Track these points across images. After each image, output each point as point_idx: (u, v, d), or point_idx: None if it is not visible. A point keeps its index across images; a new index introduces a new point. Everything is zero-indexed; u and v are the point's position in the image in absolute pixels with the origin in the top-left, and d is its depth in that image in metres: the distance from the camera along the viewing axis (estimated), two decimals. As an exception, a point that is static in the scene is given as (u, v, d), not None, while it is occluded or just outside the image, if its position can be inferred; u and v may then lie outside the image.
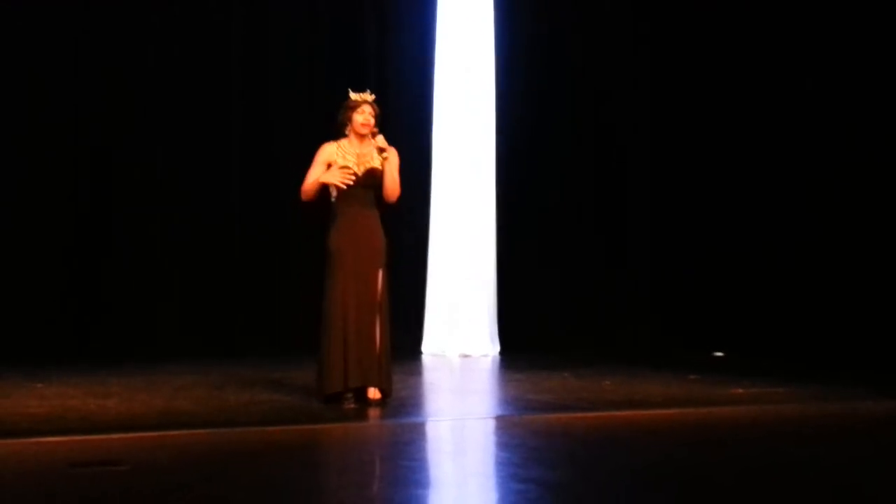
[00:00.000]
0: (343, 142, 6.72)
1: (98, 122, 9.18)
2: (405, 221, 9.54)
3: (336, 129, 6.77)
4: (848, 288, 9.14)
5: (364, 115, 6.68)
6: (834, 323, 9.16)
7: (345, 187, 6.58)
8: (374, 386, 6.58)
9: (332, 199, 6.69)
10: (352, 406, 6.49)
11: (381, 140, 6.66)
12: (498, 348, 10.22)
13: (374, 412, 6.42)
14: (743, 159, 10.10)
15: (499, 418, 6.73)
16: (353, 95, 6.73)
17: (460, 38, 10.28)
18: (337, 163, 6.62)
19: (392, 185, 6.67)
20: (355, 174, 6.61)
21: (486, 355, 10.07)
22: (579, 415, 6.57)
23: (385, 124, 6.88)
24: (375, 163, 6.66)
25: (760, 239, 9.94)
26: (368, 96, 6.74)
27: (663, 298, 10.61)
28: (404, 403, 6.90)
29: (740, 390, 7.59)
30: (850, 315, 9.06)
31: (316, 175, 6.64)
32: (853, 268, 9.12)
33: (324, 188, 6.68)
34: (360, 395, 6.57)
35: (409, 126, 9.93)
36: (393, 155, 6.69)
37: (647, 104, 10.75)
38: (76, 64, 9.13)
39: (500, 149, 10.39)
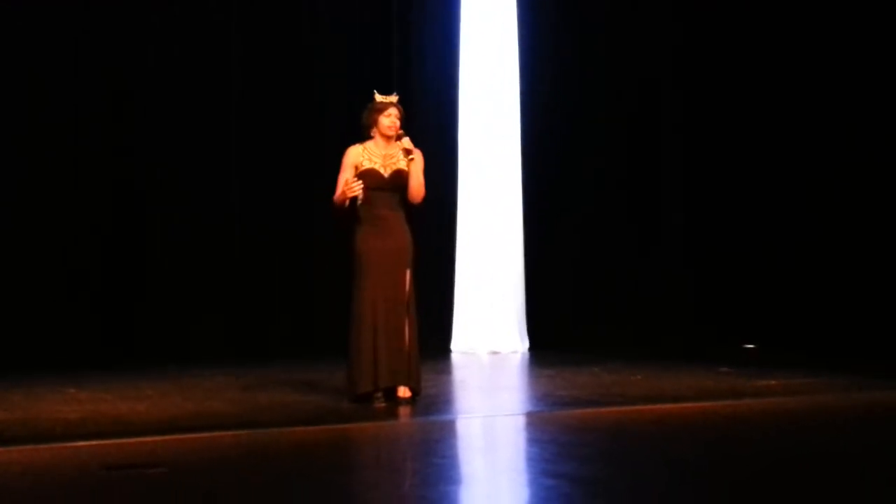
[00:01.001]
0: (369, 144, 6.73)
1: (98, 122, 9.18)
2: (432, 220, 9.53)
3: (361, 131, 6.78)
4: (883, 278, 9.11)
5: (390, 118, 6.68)
6: (866, 313, 9.12)
7: (355, 194, 6.57)
8: (404, 385, 6.60)
9: (359, 202, 6.70)
10: (382, 405, 6.51)
11: (407, 142, 6.66)
12: (527, 345, 10.21)
13: (404, 410, 6.44)
14: (779, 153, 10.07)
15: (529, 414, 6.72)
16: (378, 98, 6.72)
17: (484, 34, 10.26)
18: (363, 165, 6.63)
19: (417, 186, 6.68)
20: (379, 174, 6.61)
21: (515, 352, 10.06)
22: (610, 410, 6.57)
23: (410, 122, 6.88)
24: (402, 164, 6.67)
25: (791, 230, 9.91)
26: (394, 98, 6.74)
27: (694, 292, 10.55)
28: (435, 401, 6.91)
29: (773, 382, 7.55)
30: (884, 305, 9.02)
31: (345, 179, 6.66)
32: (889, 258, 9.10)
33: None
34: (390, 394, 6.59)
35: (435, 124, 9.93)
36: (418, 156, 6.70)
37: (681, 99, 10.67)
38: (76, 64, 9.12)
39: (526, 144, 10.37)
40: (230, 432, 5.76)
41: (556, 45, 10.48)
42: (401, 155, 6.67)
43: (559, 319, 10.27)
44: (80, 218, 9.08)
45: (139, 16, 9.32)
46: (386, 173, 6.65)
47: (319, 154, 9.54)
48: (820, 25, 9.61)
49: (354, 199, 6.68)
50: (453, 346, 10.10)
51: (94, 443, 5.42)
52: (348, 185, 6.55)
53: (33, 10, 8.98)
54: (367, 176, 6.63)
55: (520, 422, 6.51)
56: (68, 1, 9.13)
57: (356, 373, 6.57)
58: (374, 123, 6.70)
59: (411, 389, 6.63)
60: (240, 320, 9.52)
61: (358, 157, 6.67)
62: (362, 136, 6.77)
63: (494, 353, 9.99)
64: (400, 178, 6.66)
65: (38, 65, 9.00)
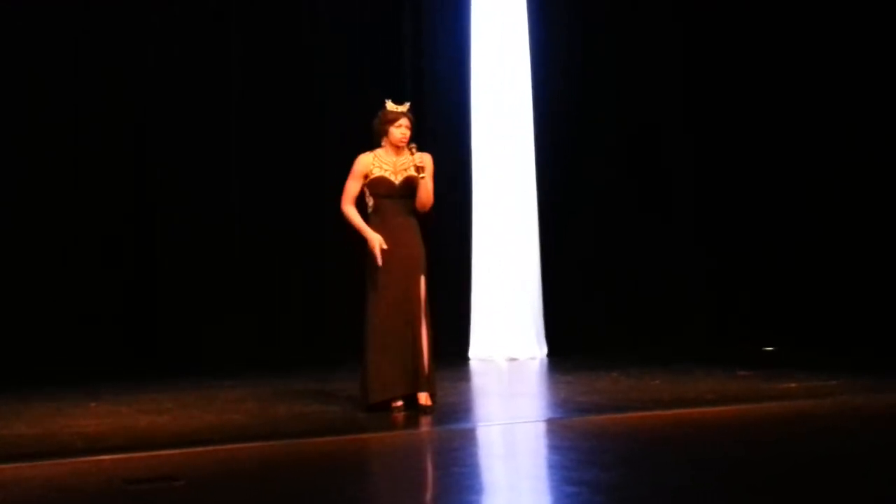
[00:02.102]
0: (379, 151, 6.72)
1: (98, 122, 9.19)
2: (448, 226, 9.53)
3: (371, 139, 6.77)
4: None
5: (401, 129, 6.65)
6: (887, 314, 9.09)
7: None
8: (424, 392, 6.58)
9: (370, 210, 6.70)
10: (402, 414, 6.49)
11: (419, 158, 6.63)
12: (545, 351, 10.18)
13: (424, 419, 6.42)
14: (785, 152, 10.05)
15: (549, 421, 6.71)
16: (390, 107, 6.70)
17: (495, 34, 10.22)
18: (373, 173, 6.63)
19: (426, 196, 6.67)
20: (390, 181, 6.59)
21: (533, 358, 10.04)
22: (630, 415, 6.54)
23: (422, 125, 6.85)
24: (412, 171, 6.66)
25: (809, 231, 9.89)
26: (405, 107, 6.72)
27: (711, 296, 10.52)
28: (454, 409, 6.90)
29: (792, 384, 7.52)
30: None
31: (353, 189, 6.65)
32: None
33: (361, 197, 6.69)
34: (408, 402, 6.58)
35: (447, 128, 9.92)
36: (428, 167, 6.67)
37: (684, 100, 10.66)
38: (76, 64, 9.14)
39: (540, 149, 10.34)
40: (251, 444, 5.76)
41: (569, 43, 10.44)
42: (412, 165, 6.65)
43: (577, 325, 10.23)
44: (80, 218, 9.08)
45: (139, 16, 9.34)
46: (397, 181, 6.65)
47: (320, 154, 9.56)
48: (820, 26, 9.61)
49: (366, 206, 6.70)
50: (471, 353, 10.07)
51: (114, 456, 5.42)
52: (374, 250, 6.55)
53: (33, 10, 9.00)
54: (377, 184, 6.64)
55: (540, 429, 6.49)
56: (68, 1, 9.15)
57: (370, 382, 6.56)
58: (385, 133, 6.69)
59: (430, 397, 6.62)
60: (245, 322, 9.49)
61: (368, 165, 6.67)
62: (371, 141, 6.75)
63: (512, 359, 9.96)
64: (410, 185, 6.65)
65: (38, 65, 9.02)
